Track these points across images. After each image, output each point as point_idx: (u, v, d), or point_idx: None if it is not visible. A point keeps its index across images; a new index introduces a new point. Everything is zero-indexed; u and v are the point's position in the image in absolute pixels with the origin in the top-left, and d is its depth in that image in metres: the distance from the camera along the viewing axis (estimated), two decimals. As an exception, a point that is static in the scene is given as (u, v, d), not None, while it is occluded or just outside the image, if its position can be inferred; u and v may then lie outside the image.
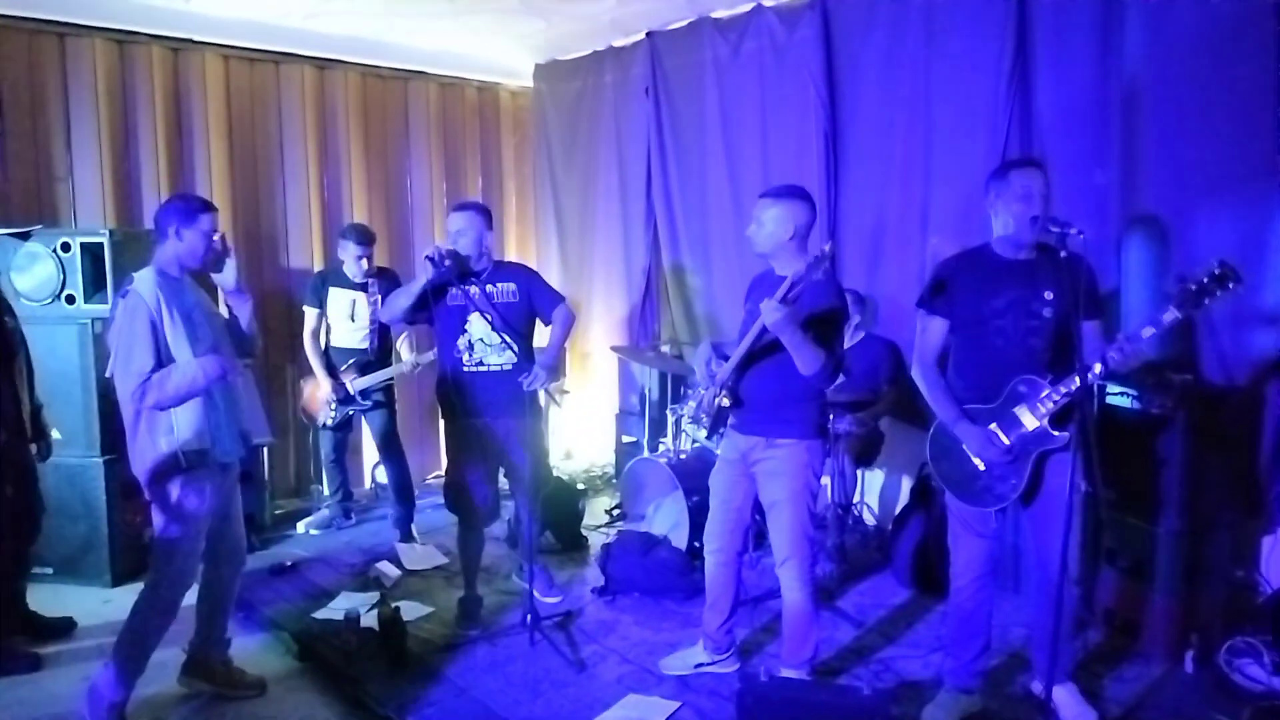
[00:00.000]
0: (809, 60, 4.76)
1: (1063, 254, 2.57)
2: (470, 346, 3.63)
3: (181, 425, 2.96)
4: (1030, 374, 2.75)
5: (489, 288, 3.66)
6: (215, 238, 3.08)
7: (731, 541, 3.25)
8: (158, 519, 3.04)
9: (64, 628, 3.83)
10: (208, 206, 3.08)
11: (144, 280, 2.97)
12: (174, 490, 2.99)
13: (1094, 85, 3.77)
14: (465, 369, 3.65)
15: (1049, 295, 2.74)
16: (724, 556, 3.28)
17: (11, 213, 4.55)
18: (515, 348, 3.61)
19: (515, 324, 3.68)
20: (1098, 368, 2.61)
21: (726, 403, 3.11)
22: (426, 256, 3.43)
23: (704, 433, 3.24)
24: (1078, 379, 2.60)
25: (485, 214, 3.72)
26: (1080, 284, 2.66)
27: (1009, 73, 3.96)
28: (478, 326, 3.62)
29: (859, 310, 4.50)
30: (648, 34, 5.68)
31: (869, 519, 4.77)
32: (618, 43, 5.97)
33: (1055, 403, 2.68)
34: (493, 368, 3.65)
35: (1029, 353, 2.78)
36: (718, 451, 3.31)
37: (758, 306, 2.85)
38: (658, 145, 5.74)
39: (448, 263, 3.45)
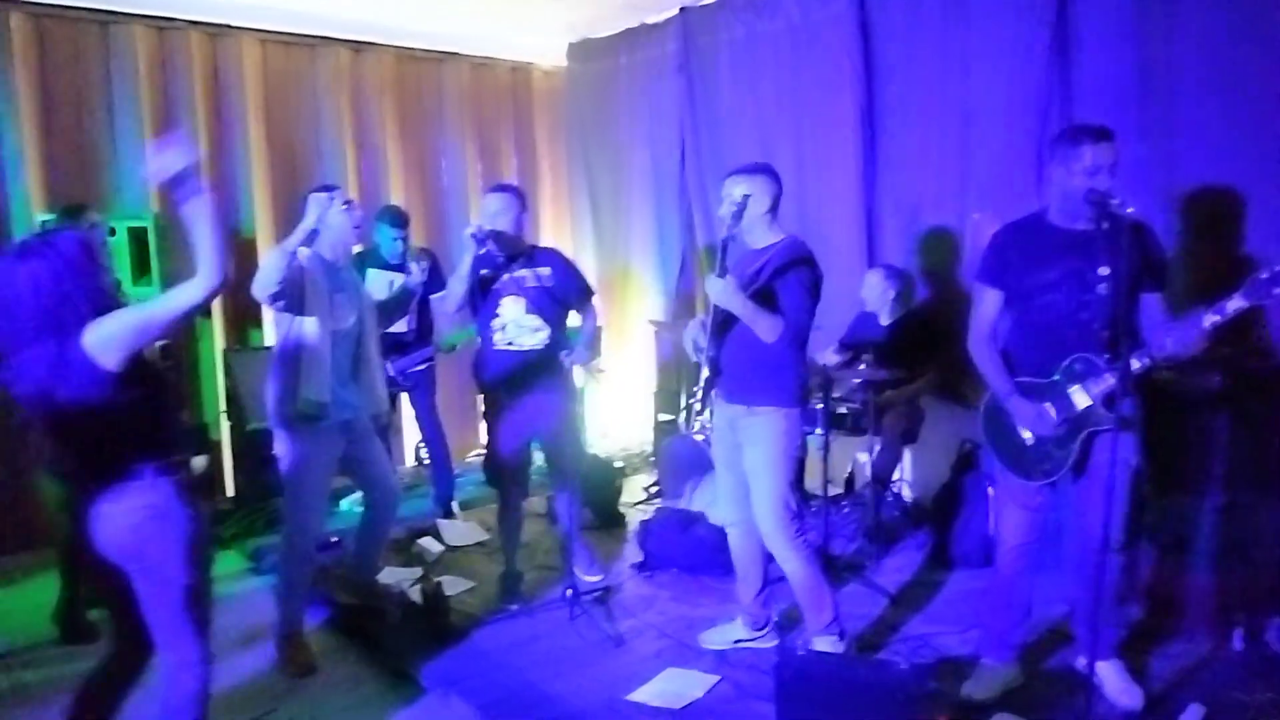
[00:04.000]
0: (844, 34, 4.70)
1: (1104, 225, 2.52)
2: (503, 327, 3.68)
3: (293, 378, 3.28)
4: (1086, 350, 2.69)
5: (524, 271, 3.70)
6: (357, 212, 3.47)
7: (747, 511, 3.23)
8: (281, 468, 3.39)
9: None
10: (329, 188, 3.41)
11: (300, 251, 3.27)
12: (284, 439, 3.35)
13: (1135, 56, 3.68)
14: (496, 348, 3.70)
15: (1105, 270, 2.65)
16: (744, 528, 3.28)
17: (57, 198, 4.64)
18: (548, 330, 3.67)
19: (550, 307, 3.72)
20: (1157, 355, 2.55)
21: (707, 373, 3.16)
22: (470, 234, 3.51)
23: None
24: (1135, 362, 2.54)
25: (521, 197, 3.76)
26: (1140, 255, 2.60)
27: (1049, 43, 3.88)
28: (510, 309, 3.67)
29: (898, 285, 4.46)
30: (680, 10, 5.64)
31: (908, 495, 4.74)
32: (650, 20, 5.93)
33: (1110, 384, 2.63)
34: (525, 347, 3.68)
35: (1082, 328, 2.70)
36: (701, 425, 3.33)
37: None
38: (691, 123, 5.71)
39: (489, 242, 3.52)
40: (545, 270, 3.74)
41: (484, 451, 6.27)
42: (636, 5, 5.71)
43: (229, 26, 5.27)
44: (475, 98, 6.39)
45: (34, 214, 4.65)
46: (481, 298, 3.69)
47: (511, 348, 3.68)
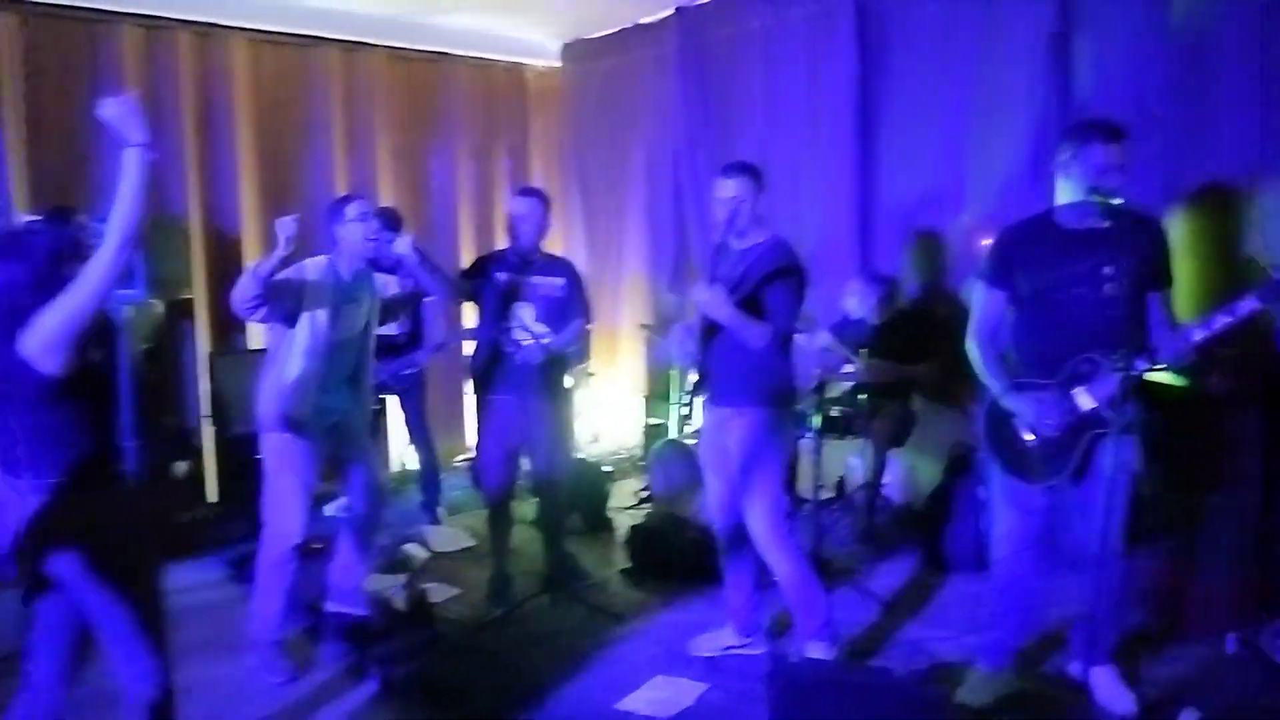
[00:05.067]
0: (840, 34, 4.67)
1: (1109, 223, 2.48)
2: (510, 330, 3.68)
3: (270, 384, 3.26)
4: (1091, 351, 2.64)
5: (538, 279, 3.75)
6: (372, 226, 3.36)
7: (737, 515, 3.18)
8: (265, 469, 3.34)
9: None
10: (347, 199, 3.42)
11: (315, 261, 3.33)
12: (270, 441, 3.30)
13: (1139, 54, 3.65)
14: (504, 349, 3.72)
15: (1110, 270, 2.60)
16: (733, 532, 3.24)
17: (43, 200, 4.58)
18: (552, 337, 3.73)
19: (557, 317, 3.77)
20: (1162, 358, 2.52)
21: (695, 377, 3.18)
22: (405, 249, 3.53)
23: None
24: (1140, 363, 2.50)
25: (547, 201, 3.83)
26: (1145, 254, 2.58)
27: (1049, 41, 3.85)
28: (523, 314, 3.71)
29: (881, 289, 4.43)
30: (676, 9, 5.60)
31: (899, 499, 4.70)
32: (645, 19, 5.90)
33: (1114, 385, 2.58)
34: (528, 349, 3.71)
35: (1089, 328, 2.65)
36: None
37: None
38: (686, 123, 5.67)
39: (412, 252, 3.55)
40: (559, 280, 3.80)
41: (472, 455, 6.25)
42: (632, 5, 5.68)
43: (218, 26, 5.21)
44: (469, 98, 6.34)
45: (18, 217, 4.58)
46: (488, 297, 3.71)
47: (518, 350, 3.69)
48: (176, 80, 5.10)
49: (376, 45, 5.85)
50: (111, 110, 2.21)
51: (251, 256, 5.43)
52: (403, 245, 3.48)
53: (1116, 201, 2.44)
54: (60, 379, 2.10)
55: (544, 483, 3.89)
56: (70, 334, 2.09)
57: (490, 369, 3.77)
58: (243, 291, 3.08)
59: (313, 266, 3.32)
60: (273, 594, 3.35)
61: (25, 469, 2.16)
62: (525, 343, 3.68)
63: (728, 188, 3.03)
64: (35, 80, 4.68)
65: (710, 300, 2.89)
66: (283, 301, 3.19)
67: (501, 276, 3.71)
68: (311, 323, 3.25)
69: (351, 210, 3.37)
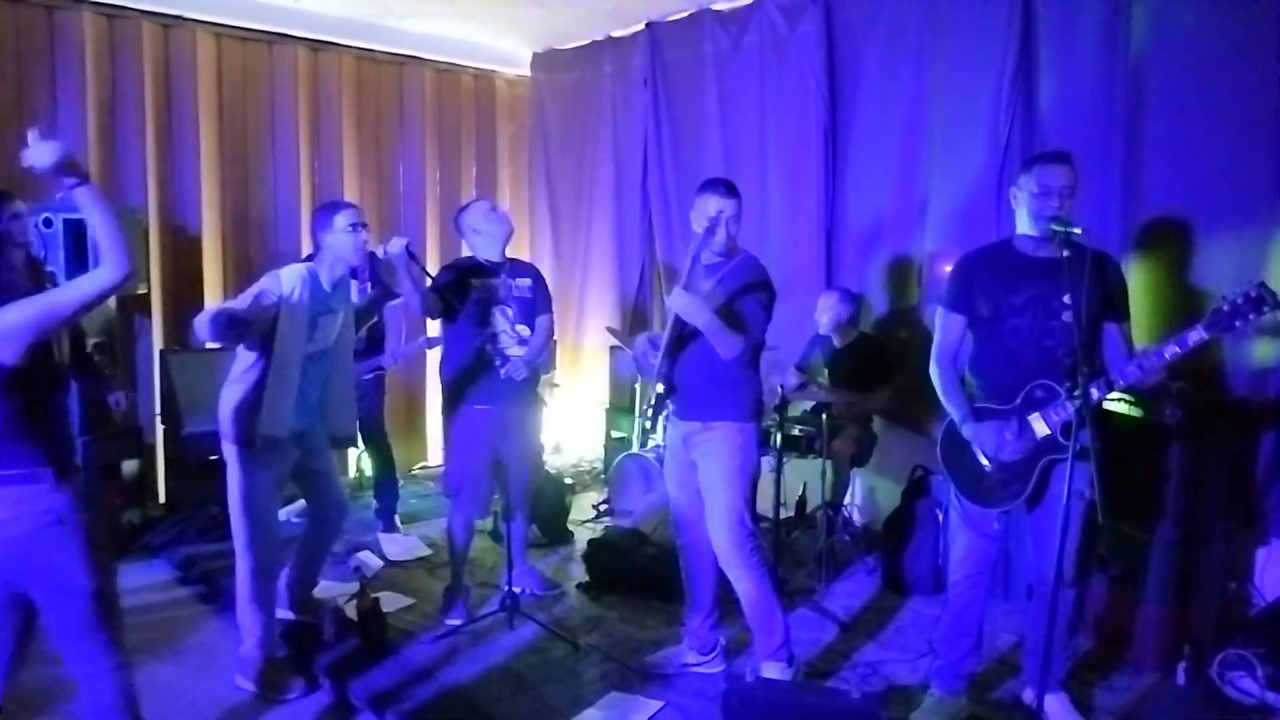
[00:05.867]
0: (810, 55, 4.71)
1: (1065, 254, 2.51)
2: (494, 337, 3.62)
3: (238, 398, 3.14)
4: (1047, 378, 2.67)
5: (511, 281, 3.74)
6: (364, 234, 3.26)
7: (700, 531, 3.17)
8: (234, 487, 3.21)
9: None
10: (338, 205, 3.32)
11: (293, 269, 3.19)
12: (236, 455, 3.17)
13: (1098, 87, 3.73)
14: (488, 358, 3.63)
15: (1066, 299, 2.62)
16: (696, 548, 3.23)
17: (-7, 187, 4.44)
18: (530, 341, 3.73)
19: (528, 317, 3.76)
20: (1117, 384, 2.57)
21: (661, 390, 3.16)
22: (405, 248, 3.37)
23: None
24: (1094, 392, 2.52)
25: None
26: (1101, 285, 2.61)
27: (1012, 73, 3.92)
28: (500, 320, 3.66)
29: (851, 308, 4.46)
30: (647, 24, 5.63)
31: (859, 520, 4.72)
32: (617, 33, 5.91)
33: (1070, 412, 2.61)
34: (512, 358, 3.65)
35: (1045, 355, 2.69)
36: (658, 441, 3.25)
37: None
38: (655, 138, 5.69)
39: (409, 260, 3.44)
40: (526, 282, 3.79)
41: (429, 465, 6.16)
42: (603, 18, 5.68)
43: (182, 18, 5.11)
44: (436, 103, 6.29)
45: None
46: (471, 308, 3.60)
47: (505, 364, 3.62)
48: (138, 71, 4.99)
49: (344, 45, 5.78)
50: (33, 158, 2.08)
51: (211, 253, 5.33)
52: (396, 246, 3.36)
53: (1076, 231, 2.47)
54: (16, 369, 2.07)
55: (520, 494, 3.81)
56: (36, 331, 2.09)
57: (472, 378, 3.66)
58: (206, 330, 2.92)
59: (289, 276, 3.15)
60: (268, 607, 3.26)
61: None
62: (511, 352, 3.61)
63: (713, 203, 3.01)
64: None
65: (687, 304, 2.87)
66: (255, 325, 3.04)
67: (476, 282, 3.65)
68: (285, 337, 3.10)
69: (342, 219, 3.23)
